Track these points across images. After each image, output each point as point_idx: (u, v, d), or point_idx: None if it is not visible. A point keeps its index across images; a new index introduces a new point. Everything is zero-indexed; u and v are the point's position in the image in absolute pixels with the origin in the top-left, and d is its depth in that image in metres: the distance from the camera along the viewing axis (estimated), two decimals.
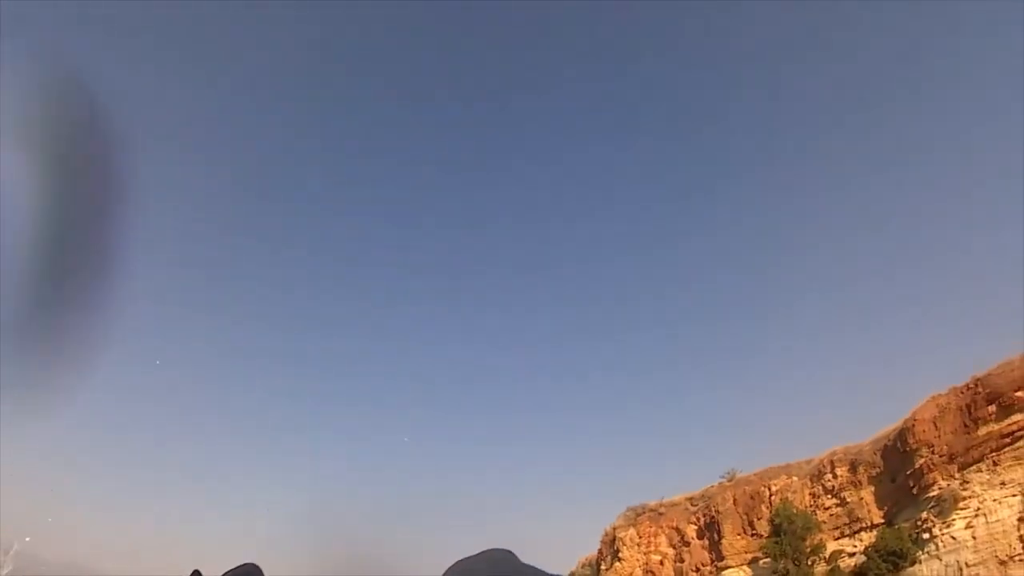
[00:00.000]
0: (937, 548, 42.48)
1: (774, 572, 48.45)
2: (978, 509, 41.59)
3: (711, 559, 51.78)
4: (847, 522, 47.20)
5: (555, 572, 1.22)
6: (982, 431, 41.34)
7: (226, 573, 1.39)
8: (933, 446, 42.91)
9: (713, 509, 52.25)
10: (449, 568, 1.18)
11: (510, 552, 1.23)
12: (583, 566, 60.17)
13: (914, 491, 43.65)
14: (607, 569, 55.31)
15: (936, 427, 42.81)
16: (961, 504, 41.95)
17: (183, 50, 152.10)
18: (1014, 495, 40.90)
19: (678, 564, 53.08)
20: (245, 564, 1.46)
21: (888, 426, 46.11)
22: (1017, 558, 38.92)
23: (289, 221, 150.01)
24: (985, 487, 41.64)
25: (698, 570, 52.09)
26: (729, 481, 53.09)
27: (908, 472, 44.01)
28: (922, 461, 43.12)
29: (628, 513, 57.07)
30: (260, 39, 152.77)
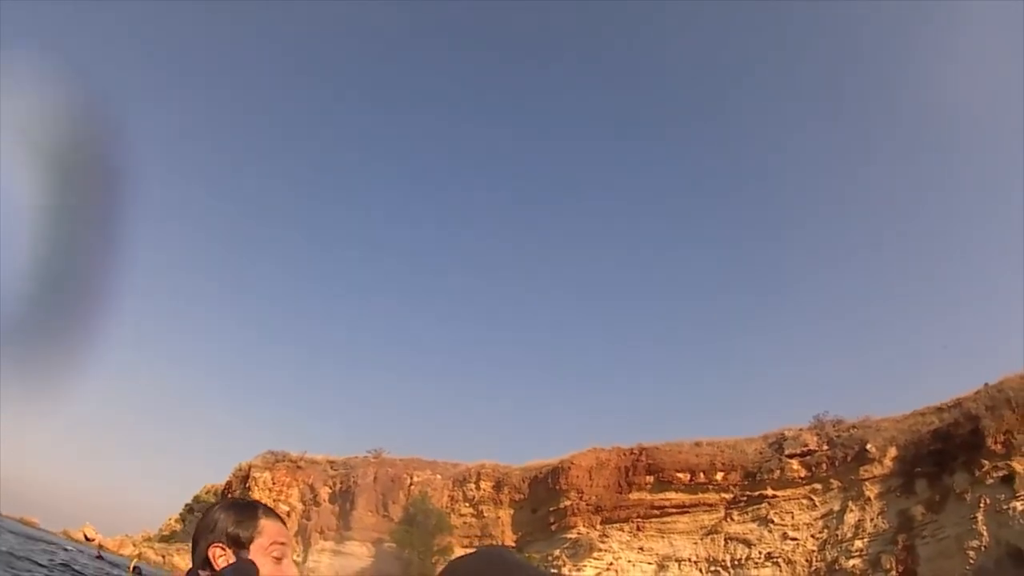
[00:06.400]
0: None
1: (397, 559, 42.54)
2: (611, 564, 36.86)
3: (338, 527, 44.43)
4: (479, 534, 40.76)
5: None
6: (634, 496, 35.00)
7: (223, 570, 1.37)
8: (583, 493, 36.22)
9: (352, 479, 44.03)
10: (446, 566, 1.13)
11: (505, 549, 1.17)
12: (207, 492, 51.76)
13: (552, 527, 37.81)
14: None
15: (591, 477, 36.07)
16: (595, 555, 36.82)
17: (183, 49, 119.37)
18: (649, 563, 36.60)
19: (304, 521, 45.50)
20: (242, 562, 1.39)
21: (541, 460, 38.36)
22: None
23: (295, 218, 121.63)
24: (624, 547, 36.51)
25: (323, 533, 44.78)
26: (374, 458, 44.65)
27: (551, 509, 37.56)
28: (568, 503, 36.78)
29: (267, 456, 47.92)
30: (262, 37, 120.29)
